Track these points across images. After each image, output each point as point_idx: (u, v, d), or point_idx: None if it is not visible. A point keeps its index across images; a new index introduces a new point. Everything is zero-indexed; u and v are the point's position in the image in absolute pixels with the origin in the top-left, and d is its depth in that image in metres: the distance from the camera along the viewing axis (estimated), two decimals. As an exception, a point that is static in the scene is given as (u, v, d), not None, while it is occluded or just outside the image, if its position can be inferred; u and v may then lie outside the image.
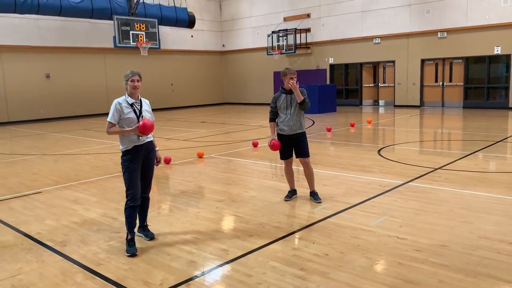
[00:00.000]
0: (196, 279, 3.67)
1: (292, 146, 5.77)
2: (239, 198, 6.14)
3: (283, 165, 6.02)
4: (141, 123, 4.23)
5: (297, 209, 5.54)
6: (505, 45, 17.90)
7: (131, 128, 4.26)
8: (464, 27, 18.73)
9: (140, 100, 4.47)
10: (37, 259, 4.19)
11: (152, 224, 4.96)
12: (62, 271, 3.89)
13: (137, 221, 4.55)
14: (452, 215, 5.05)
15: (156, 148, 4.66)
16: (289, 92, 5.64)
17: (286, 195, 5.99)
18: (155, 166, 4.64)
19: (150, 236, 4.61)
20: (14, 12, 17.02)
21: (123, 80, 4.38)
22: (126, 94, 4.40)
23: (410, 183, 6.57)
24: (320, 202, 5.70)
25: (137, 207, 4.39)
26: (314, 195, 5.84)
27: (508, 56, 18.04)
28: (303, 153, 5.75)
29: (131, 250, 4.22)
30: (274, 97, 5.77)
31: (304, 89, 5.70)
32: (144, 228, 4.69)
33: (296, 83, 5.52)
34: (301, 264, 3.84)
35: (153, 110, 4.72)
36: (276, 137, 5.77)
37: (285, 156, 5.87)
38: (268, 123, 6.00)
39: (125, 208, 4.36)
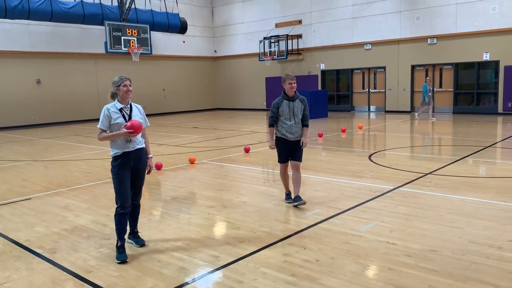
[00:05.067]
0: (187, 286, 3.65)
1: (290, 151, 5.87)
2: (231, 204, 6.14)
3: (280, 168, 6.09)
4: (128, 123, 4.17)
5: (288, 215, 5.55)
6: (494, 52, 18.14)
7: (119, 131, 4.20)
8: (454, 34, 18.97)
9: (130, 105, 4.40)
10: (26, 267, 4.14)
11: (143, 230, 4.93)
12: (51, 279, 3.86)
13: (128, 228, 4.53)
14: (442, 220, 5.09)
15: (150, 156, 4.60)
16: (291, 98, 5.75)
17: (287, 198, 6.06)
18: (146, 174, 4.60)
19: (141, 243, 4.58)
20: (5, 17, 16.94)
21: (113, 86, 4.32)
22: (116, 100, 4.35)
23: (400, 188, 6.61)
24: (304, 203, 5.73)
25: (126, 214, 4.37)
26: (298, 199, 5.81)
27: (497, 62, 18.28)
28: (299, 157, 5.88)
29: (121, 257, 4.20)
30: (276, 103, 5.80)
31: (304, 98, 5.89)
32: (134, 235, 4.65)
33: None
34: (292, 270, 3.85)
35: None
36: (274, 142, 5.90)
37: (285, 159, 5.96)
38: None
39: (115, 215, 4.34)
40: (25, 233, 5.12)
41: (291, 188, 6.08)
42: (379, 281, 3.61)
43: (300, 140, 5.84)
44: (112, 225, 5.17)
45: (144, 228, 5.06)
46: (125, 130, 4.15)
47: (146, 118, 4.58)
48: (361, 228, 4.88)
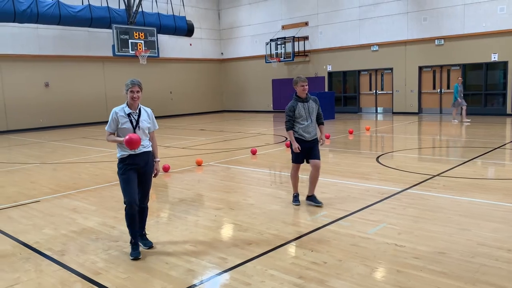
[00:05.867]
0: (195, 288, 3.66)
1: (307, 150, 5.91)
2: (238, 206, 6.14)
3: (292, 169, 6.09)
4: (127, 137, 4.15)
5: (295, 217, 5.54)
6: (502, 52, 18.01)
7: (122, 139, 4.24)
8: (461, 35, 18.86)
9: (140, 110, 4.41)
10: (35, 269, 4.18)
11: (151, 232, 4.95)
12: (60, 281, 3.89)
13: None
14: (451, 222, 5.06)
15: (157, 159, 4.60)
16: (304, 100, 5.86)
17: (295, 200, 6.06)
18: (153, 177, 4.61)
19: (149, 245, 4.59)
20: (14, 21, 17.10)
21: (124, 89, 4.35)
22: (126, 103, 4.37)
23: (408, 190, 6.58)
24: (321, 206, 5.82)
25: (135, 215, 4.39)
26: (314, 199, 5.96)
27: (505, 63, 18.14)
28: (318, 155, 5.98)
29: (135, 253, 4.31)
30: (292, 105, 5.85)
31: (316, 97, 6.02)
32: (142, 237, 4.66)
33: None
34: (300, 272, 3.84)
35: (152, 118, 4.69)
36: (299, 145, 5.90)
37: (300, 160, 6.00)
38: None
39: (125, 215, 4.40)
40: (34, 235, 5.16)
41: (298, 188, 6.10)
42: (387, 283, 3.59)
43: (316, 139, 5.94)
44: (120, 227, 5.23)
45: (152, 230, 5.08)
46: (124, 142, 4.17)
47: (155, 121, 4.60)
48: (369, 230, 4.86)
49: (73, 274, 4.01)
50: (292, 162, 6.07)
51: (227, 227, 5.33)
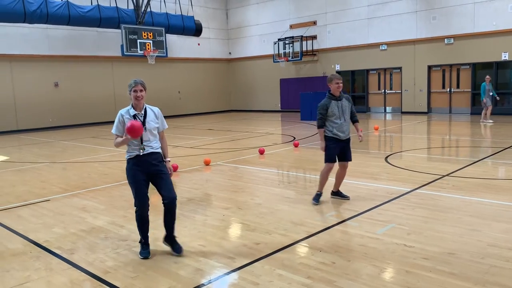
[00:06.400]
0: (203, 287, 3.67)
1: (341, 150, 5.94)
2: (246, 205, 6.15)
3: (326, 168, 6.01)
4: (128, 124, 4.01)
5: (304, 217, 5.53)
6: (513, 51, 17.82)
7: (124, 137, 4.15)
8: (471, 33, 18.69)
9: (145, 111, 4.29)
10: (45, 267, 4.21)
11: (159, 231, 4.94)
12: (70, 279, 3.92)
13: (164, 231, 4.49)
14: (460, 222, 5.02)
15: (167, 159, 4.49)
16: (338, 98, 5.87)
17: (316, 199, 6.00)
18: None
19: (178, 251, 4.32)
20: (24, 21, 17.26)
21: (127, 90, 4.26)
22: (130, 105, 4.28)
23: (417, 190, 6.53)
24: (348, 198, 6.05)
25: (145, 216, 4.37)
26: (341, 193, 6.18)
27: (516, 62, 17.95)
28: (351, 156, 6.10)
29: (144, 253, 4.32)
30: (325, 104, 5.83)
31: (349, 96, 6.11)
32: (172, 240, 4.41)
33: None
34: (308, 272, 3.83)
35: (160, 117, 4.58)
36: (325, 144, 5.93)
37: (335, 159, 6.00)
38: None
39: (135, 218, 4.39)
40: (44, 234, 5.20)
41: (320, 185, 6.10)
42: (395, 284, 3.57)
43: (349, 138, 6.01)
44: (129, 226, 5.26)
45: (161, 229, 5.07)
46: (127, 134, 4.05)
47: (164, 121, 4.49)
48: (378, 231, 4.84)
49: (82, 273, 4.04)
50: (326, 161, 5.96)
51: (235, 227, 5.34)
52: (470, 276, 3.64)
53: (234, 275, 3.88)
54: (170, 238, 4.45)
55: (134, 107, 4.27)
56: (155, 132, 4.37)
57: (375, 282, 3.61)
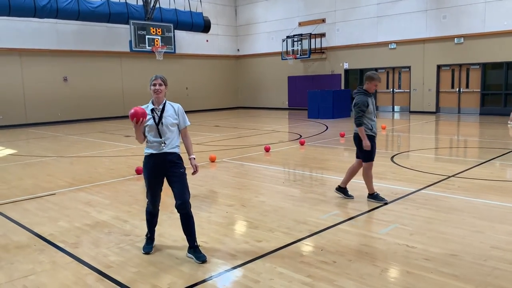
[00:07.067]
0: (205, 283, 3.69)
1: (373, 148, 5.91)
2: (250, 203, 6.16)
3: (368, 167, 5.93)
4: (132, 110, 3.97)
5: (307, 215, 5.52)
6: (524, 51, 17.62)
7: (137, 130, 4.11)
8: (481, 33, 18.51)
9: (164, 105, 4.20)
10: (49, 260, 4.26)
11: (163, 227, 5.00)
12: (73, 273, 3.96)
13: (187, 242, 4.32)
14: (464, 224, 4.99)
15: (191, 156, 4.39)
16: (371, 95, 5.90)
17: (381, 199, 5.90)
18: (191, 175, 4.36)
19: (202, 259, 4.08)
20: (34, 16, 17.39)
21: (148, 86, 4.20)
22: (151, 100, 4.22)
23: (422, 191, 6.50)
24: (352, 198, 6.09)
25: (154, 214, 4.41)
26: (346, 192, 6.18)
27: (526, 62, 17.76)
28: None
29: (146, 248, 4.37)
30: (365, 100, 5.73)
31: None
32: (195, 250, 4.17)
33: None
34: (309, 271, 3.84)
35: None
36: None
37: (374, 157, 5.98)
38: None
39: (146, 209, 4.44)
40: (49, 227, 5.26)
41: (370, 187, 6.04)
42: (396, 284, 3.57)
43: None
44: (133, 221, 5.30)
45: (164, 225, 5.13)
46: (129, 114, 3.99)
47: (186, 117, 4.38)
48: (381, 230, 4.82)
49: (86, 267, 4.08)
50: (368, 160, 5.86)
51: (238, 224, 5.35)
52: (472, 278, 3.63)
53: (236, 272, 3.89)
54: (190, 248, 4.21)
55: (153, 102, 4.21)
56: (173, 128, 4.23)
57: (376, 282, 3.60)
